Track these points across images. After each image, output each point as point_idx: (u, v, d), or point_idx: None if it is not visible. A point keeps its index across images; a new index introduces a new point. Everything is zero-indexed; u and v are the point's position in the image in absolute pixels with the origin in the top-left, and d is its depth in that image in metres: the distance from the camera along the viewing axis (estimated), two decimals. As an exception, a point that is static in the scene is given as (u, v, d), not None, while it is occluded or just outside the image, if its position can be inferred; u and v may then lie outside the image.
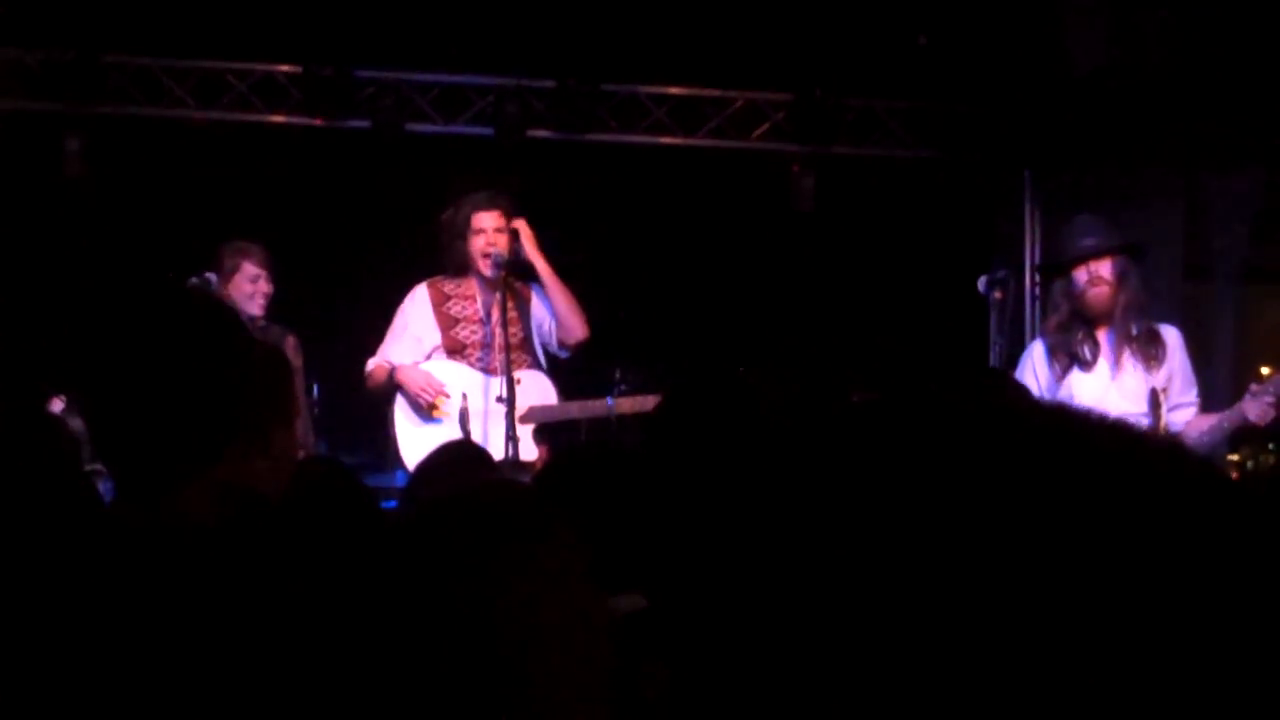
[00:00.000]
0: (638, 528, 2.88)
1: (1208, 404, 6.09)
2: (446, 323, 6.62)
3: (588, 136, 9.00)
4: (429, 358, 6.62)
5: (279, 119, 8.83)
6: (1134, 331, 5.98)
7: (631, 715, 2.03)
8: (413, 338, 6.63)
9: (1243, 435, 6.12)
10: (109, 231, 8.65)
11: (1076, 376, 6.02)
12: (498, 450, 6.21)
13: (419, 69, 8.89)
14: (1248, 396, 5.75)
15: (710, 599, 0.92)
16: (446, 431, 6.38)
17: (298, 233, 8.63)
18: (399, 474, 7.11)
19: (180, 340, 2.15)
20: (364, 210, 8.97)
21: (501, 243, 6.52)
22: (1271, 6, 6.63)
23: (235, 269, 6.89)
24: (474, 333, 6.57)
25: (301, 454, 6.31)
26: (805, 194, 9.09)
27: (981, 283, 6.42)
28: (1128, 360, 5.99)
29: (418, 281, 6.83)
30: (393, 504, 5.77)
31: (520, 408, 6.43)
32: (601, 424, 6.59)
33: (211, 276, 6.76)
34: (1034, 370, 6.12)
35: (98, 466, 6.57)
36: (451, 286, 6.66)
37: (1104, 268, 5.95)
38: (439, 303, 6.64)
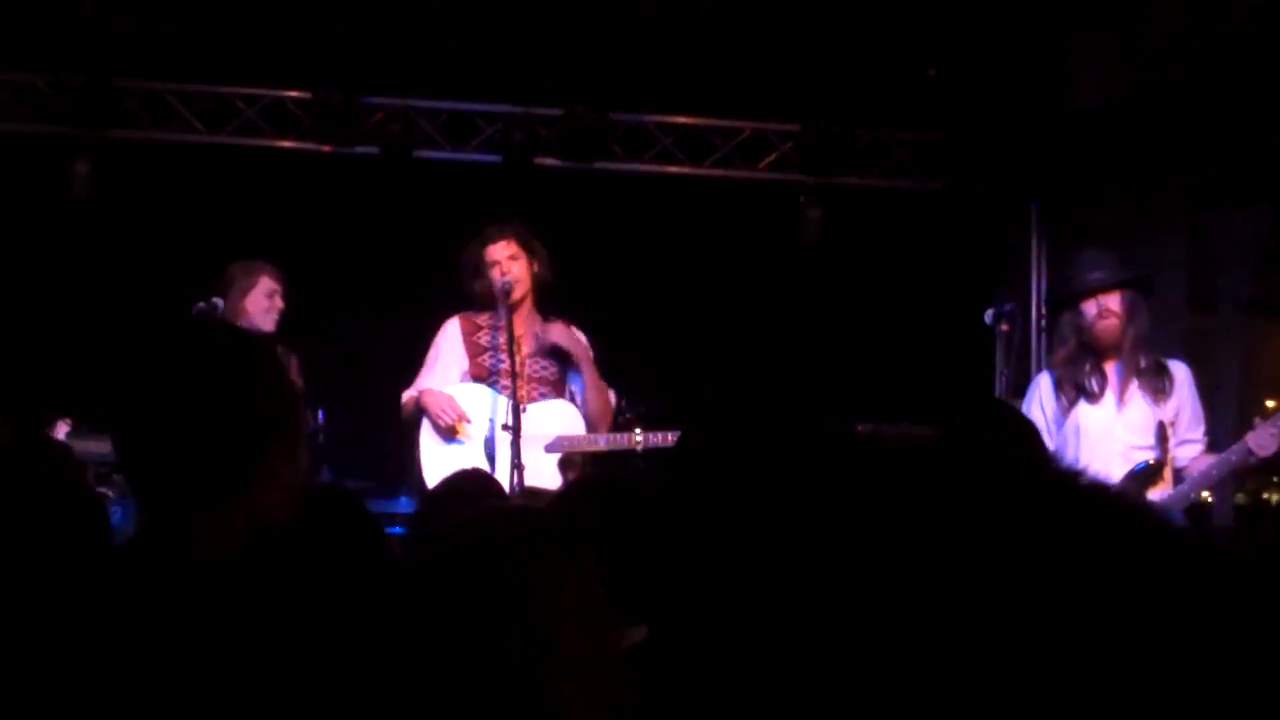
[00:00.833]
0: (645, 558, 2.88)
1: (1212, 436, 6.09)
2: (474, 350, 6.65)
3: (595, 165, 9.01)
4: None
5: (287, 144, 8.85)
6: (1142, 365, 5.98)
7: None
8: (444, 367, 6.68)
9: (1249, 471, 6.10)
10: (116, 255, 8.67)
11: (1084, 409, 6.02)
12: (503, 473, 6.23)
13: (427, 95, 8.92)
14: (1250, 432, 5.76)
15: (718, 627, 0.93)
16: (469, 454, 6.40)
17: (304, 258, 8.63)
18: (403, 499, 7.11)
19: (213, 372, 2.16)
20: (371, 236, 8.98)
21: (514, 270, 6.54)
22: (1277, 43, 6.64)
23: (252, 285, 6.88)
24: (501, 361, 6.59)
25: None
26: (812, 224, 9.09)
27: (988, 315, 6.41)
28: (1135, 393, 5.98)
29: (424, 304, 6.87)
30: (398, 529, 5.77)
31: (546, 437, 6.45)
32: (620, 455, 6.59)
33: (218, 301, 6.75)
34: (1040, 402, 6.12)
35: (106, 490, 6.60)
36: (482, 318, 6.71)
37: (1113, 301, 5.96)
38: (469, 332, 6.68)
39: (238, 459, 2.14)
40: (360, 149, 8.82)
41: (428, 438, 6.62)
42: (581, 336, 6.76)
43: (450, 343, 6.71)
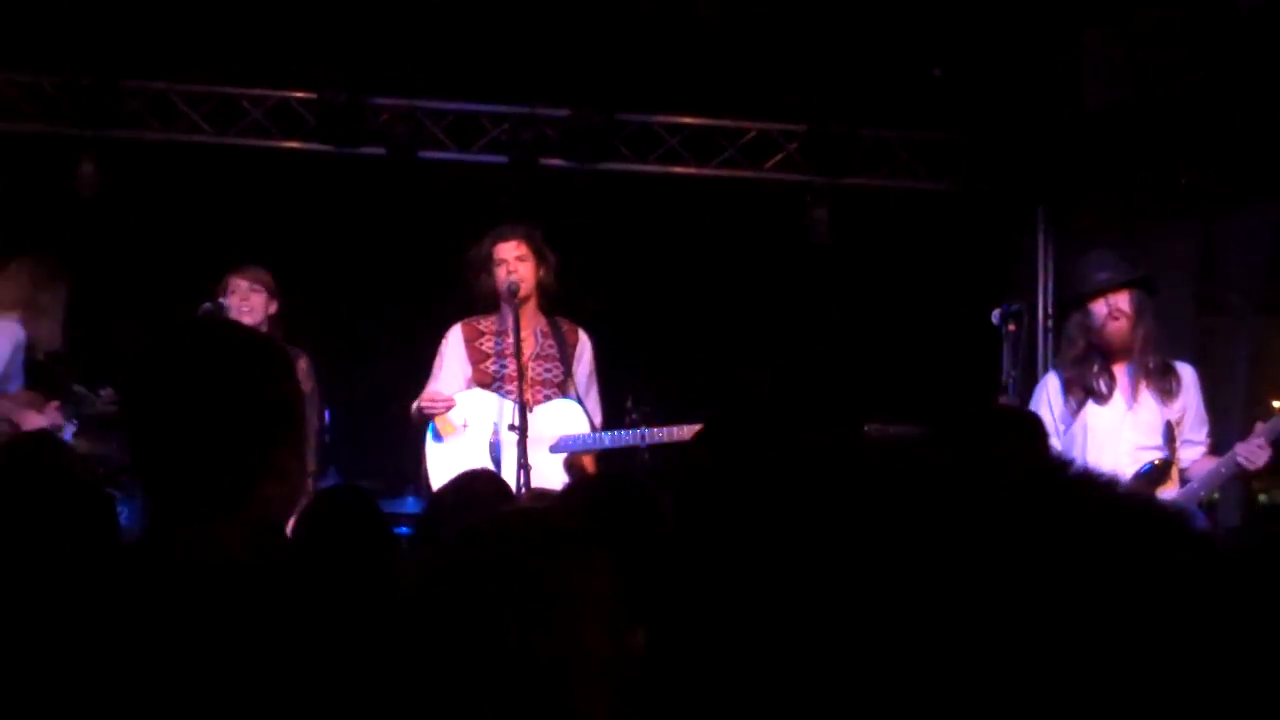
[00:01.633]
0: (651, 559, 2.87)
1: (1222, 437, 6.09)
2: (476, 357, 6.66)
3: (601, 165, 9.01)
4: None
5: (293, 145, 8.85)
6: (1150, 365, 5.99)
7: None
8: (449, 375, 6.70)
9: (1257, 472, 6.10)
10: (122, 255, 8.67)
11: (1092, 409, 6.03)
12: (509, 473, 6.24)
13: (433, 96, 8.91)
14: (1240, 444, 5.77)
15: (723, 629, 0.93)
16: (473, 456, 6.40)
17: (311, 258, 8.64)
18: (410, 500, 7.11)
19: (222, 372, 2.16)
20: (377, 236, 8.98)
21: (522, 270, 6.54)
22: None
23: (221, 289, 6.93)
24: (503, 366, 6.60)
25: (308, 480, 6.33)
26: (819, 224, 9.09)
27: (995, 315, 6.40)
28: (1144, 393, 6.00)
29: (429, 306, 6.87)
30: (405, 530, 5.76)
31: (551, 438, 6.46)
32: (625, 454, 6.59)
33: (225, 302, 6.78)
34: (1048, 402, 6.13)
35: (112, 490, 6.59)
36: (484, 323, 6.72)
37: (1122, 300, 5.99)
38: (471, 339, 6.69)
39: (247, 458, 2.14)
40: (366, 150, 8.82)
41: (432, 440, 6.64)
42: (590, 350, 6.78)
43: (453, 351, 6.73)
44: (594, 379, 6.81)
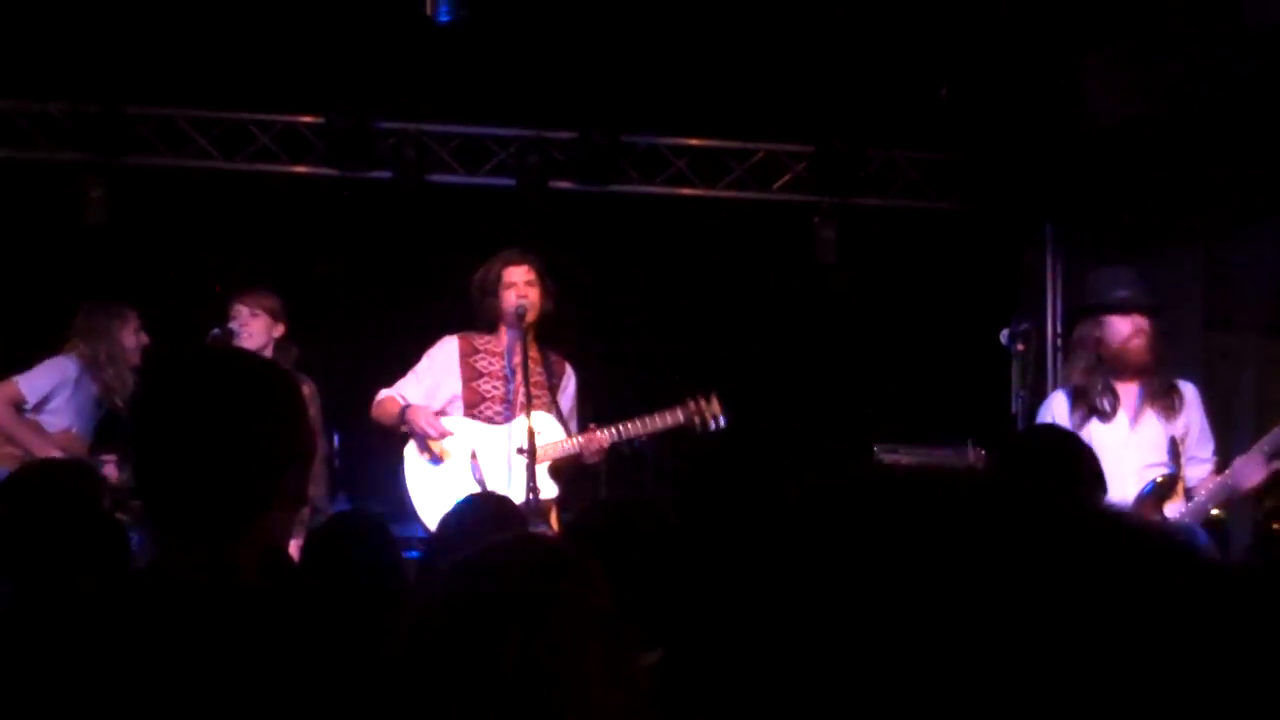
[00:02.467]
0: (661, 579, 2.87)
1: (1227, 455, 6.08)
2: (470, 374, 6.64)
3: (609, 188, 9.02)
4: (444, 410, 6.63)
5: (301, 169, 8.88)
6: (1155, 385, 5.99)
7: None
8: (433, 382, 6.67)
9: (1275, 484, 6.10)
10: (131, 281, 8.68)
11: (1097, 427, 6.02)
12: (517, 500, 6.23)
13: (440, 120, 8.94)
14: (1238, 459, 5.78)
15: (734, 648, 0.93)
16: (456, 480, 6.41)
17: (320, 282, 8.66)
18: (418, 524, 7.10)
19: (230, 400, 2.16)
20: (385, 260, 8.99)
21: (531, 296, 6.54)
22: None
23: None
24: (495, 388, 6.60)
25: (312, 505, 6.34)
26: (827, 245, 9.09)
27: (1004, 335, 6.41)
28: (1147, 411, 5.99)
29: (440, 330, 6.86)
30: (413, 554, 5.75)
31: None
32: (624, 471, 6.60)
33: (233, 327, 6.78)
34: (1054, 418, 6.12)
35: (121, 516, 6.60)
36: (482, 341, 6.71)
37: (1145, 321, 5.97)
38: (466, 354, 6.67)
39: (254, 485, 2.15)
40: (374, 174, 8.84)
41: (413, 465, 6.63)
42: (574, 383, 6.78)
43: (445, 360, 6.70)
44: (574, 413, 6.81)
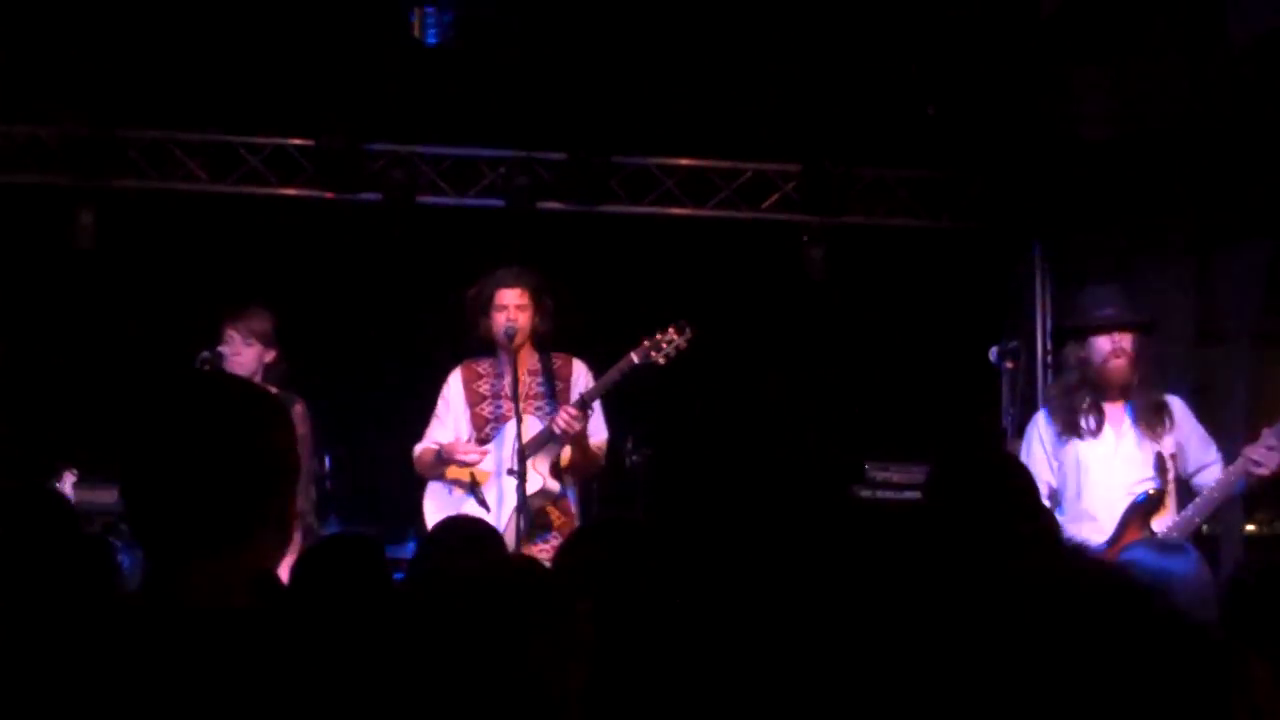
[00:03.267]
0: (649, 600, 2.87)
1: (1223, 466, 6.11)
2: (473, 399, 6.72)
3: (598, 208, 9.03)
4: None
5: (291, 192, 8.88)
6: (1142, 403, 6.05)
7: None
8: (453, 418, 6.77)
9: (1257, 501, 6.14)
10: (121, 304, 8.68)
11: (1082, 446, 6.05)
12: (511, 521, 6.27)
13: (430, 142, 8.94)
14: (1248, 447, 5.81)
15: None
16: (472, 502, 6.46)
17: (311, 304, 8.65)
18: (410, 545, 7.11)
19: (217, 422, 2.17)
20: (375, 282, 8.99)
21: (522, 319, 6.55)
22: (1277, 76, 6.66)
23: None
24: (498, 408, 6.64)
25: (304, 526, 6.34)
26: (816, 264, 9.10)
27: (993, 353, 6.43)
28: (1132, 429, 6.03)
29: (432, 353, 6.94)
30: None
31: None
32: (617, 499, 6.62)
33: (222, 350, 6.75)
34: (1040, 439, 6.16)
35: (112, 539, 6.59)
36: (482, 365, 6.79)
37: (1127, 340, 6.03)
38: (469, 380, 6.76)
39: (242, 507, 2.16)
40: (363, 196, 8.85)
41: (433, 487, 6.67)
42: (586, 373, 6.79)
43: (454, 393, 6.80)
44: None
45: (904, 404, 8.87)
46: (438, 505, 6.66)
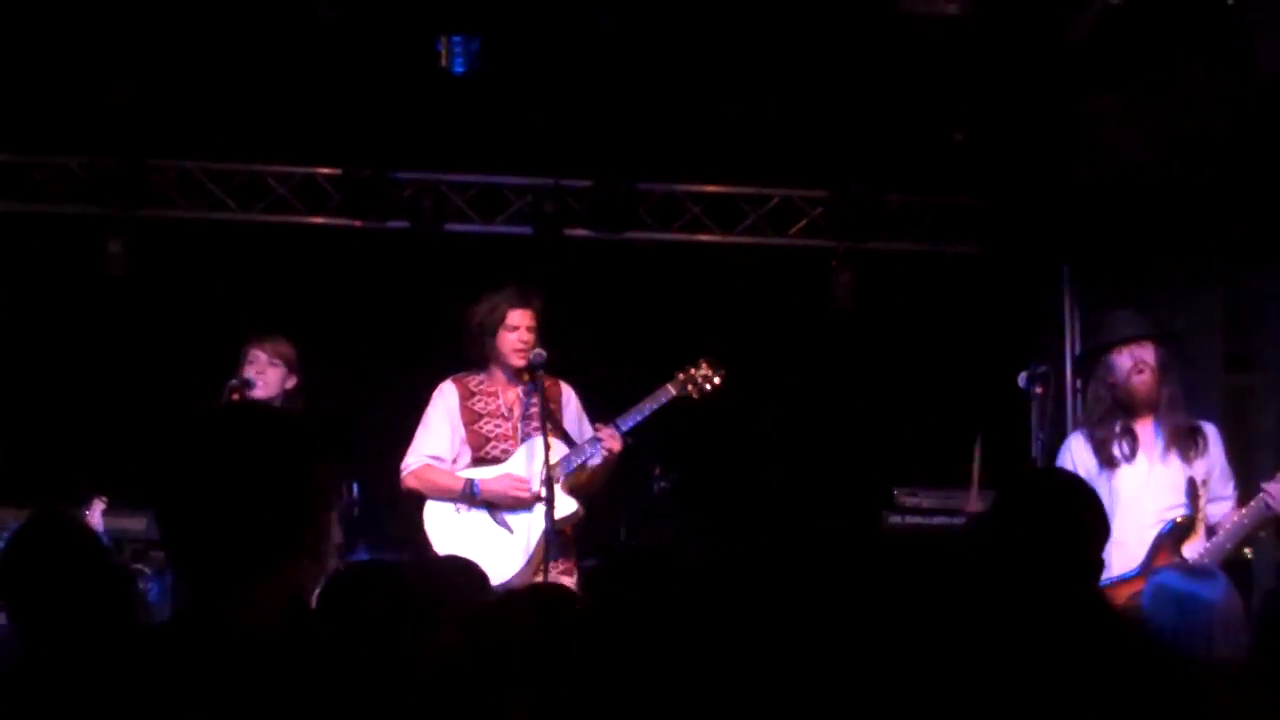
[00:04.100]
0: (680, 630, 2.87)
1: (1245, 493, 6.09)
2: (470, 418, 6.64)
3: (625, 235, 9.04)
4: (455, 460, 6.63)
5: (319, 220, 8.92)
6: (1176, 425, 6.03)
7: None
8: (449, 429, 6.67)
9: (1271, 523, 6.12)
10: (151, 332, 8.72)
11: (1116, 471, 6.03)
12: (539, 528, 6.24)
13: (457, 170, 8.97)
14: (1268, 484, 5.78)
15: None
16: (474, 526, 6.44)
17: (339, 333, 8.68)
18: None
19: (252, 453, 2.19)
20: (404, 310, 9.00)
21: (531, 339, 6.54)
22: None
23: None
24: (497, 427, 6.61)
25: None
26: (844, 289, 9.09)
27: (1022, 378, 6.40)
28: (1167, 452, 6.02)
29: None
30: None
31: (531, 475, 6.50)
32: (643, 524, 6.61)
33: (250, 376, 6.76)
34: (1073, 463, 6.12)
35: (142, 566, 6.62)
36: (475, 382, 6.70)
37: (1147, 353, 6.04)
38: (465, 398, 6.67)
39: (276, 535, 2.17)
40: (391, 224, 8.88)
41: (433, 510, 6.62)
42: (575, 397, 6.76)
43: (450, 406, 6.70)
44: (584, 419, 6.76)
45: (933, 430, 8.83)
46: (444, 526, 6.57)
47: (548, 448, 6.31)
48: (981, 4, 6.60)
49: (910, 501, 8.15)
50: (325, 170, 8.88)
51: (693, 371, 6.71)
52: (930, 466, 8.36)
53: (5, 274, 8.66)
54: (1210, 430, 6.12)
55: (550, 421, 6.45)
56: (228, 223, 8.88)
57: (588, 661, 1.99)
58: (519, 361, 6.52)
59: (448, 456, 6.63)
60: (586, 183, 8.95)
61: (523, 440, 6.53)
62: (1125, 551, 5.83)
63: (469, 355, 6.73)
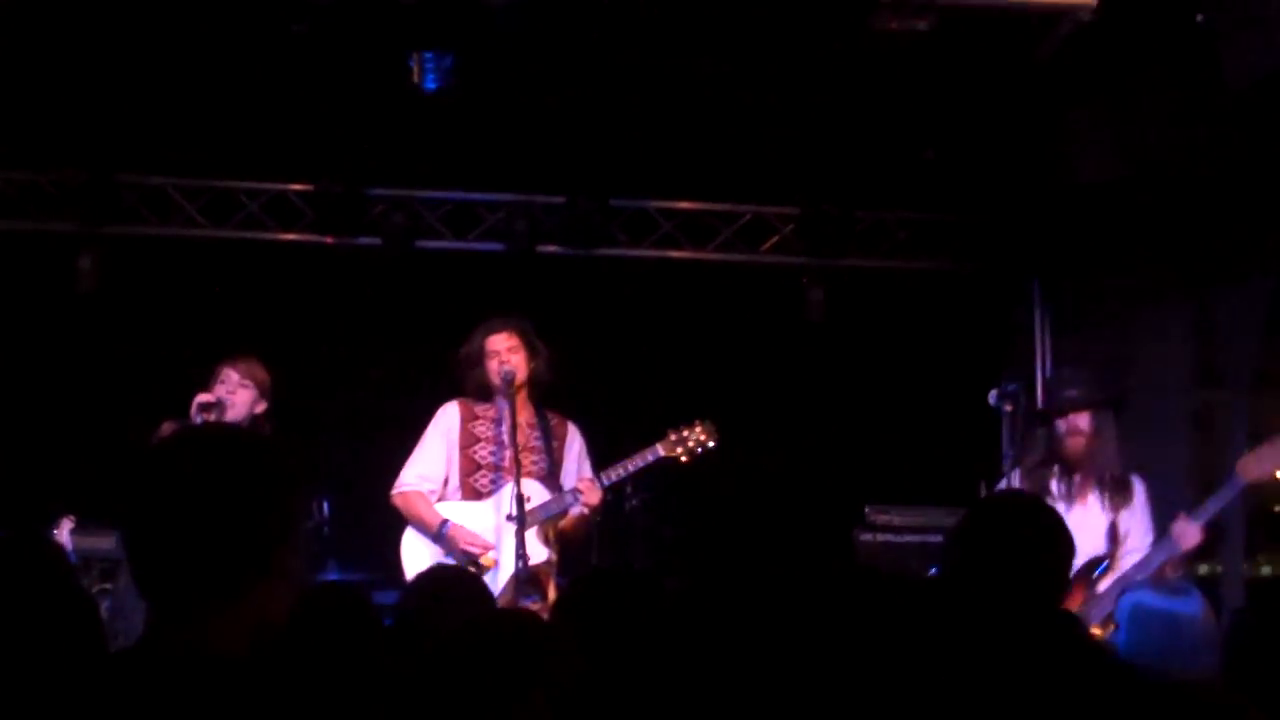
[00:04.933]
0: (651, 650, 2.87)
1: (1224, 511, 6.20)
2: (467, 440, 6.66)
3: (597, 251, 9.04)
4: (447, 481, 6.63)
5: (291, 237, 8.90)
6: (1106, 477, 6.31)
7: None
8: (444, 451, 6.69)
9: (1261, 541, 6.26)
10: (121, 349, 8.69)
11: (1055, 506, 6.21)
12: (509, 567, 6.22)
13: (429, 186, 8.97)
14: (1175, 523, 5.99)
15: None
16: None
17: (309, 349, 8.66)
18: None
19: (221, 474, 2.18)
20: (375, 326, 9.00)
21: (514, 361, 6.56)
22: (1275, 117, 6.67)
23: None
24: (490, 454, 6.61)
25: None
26: (816, 306, 9.11)
27: (992, 396, 6.45)
28: (1093, 499, 6.29)
29: (429, 395, 6.88)
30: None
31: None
32: (614, 542, 6.60)
33: (223, 396, 6.71)
34: None
35: (106, 585, 6.57)
36: (480, 408, 6.72)
37: (1082, 420, 6.30)
38: (467, 419, 6.70)
39: (244, 559, 2.17)
40: (363, 240, 8.86)
41: (410, 539, 6.62)
42: (580, 440, 6.78)
43: (448, 426, 6.72)
44: (586, 463, 6.79)
45: (904, 446, 8.85)
46: (417, 557, 6.56)
47: (518, 466, 6.31)
48: (952, 21, 6.62)
49: (882, 519, 8.17)
50: (297, 187, 8.87)
51: (685, 433, 6.70)
52: (901, 484, 8.38)
53: (-26, 290, 8.63)
54: (1138, 484, 6.33)
55: (545, 452, 6.52)
56: (198, 239, 8.85)
57: (561, 680, 1.99)
58: (500, 384, 6.54)
59: (439, 478, 6.67)
60: (559, 199, 8.95)
61: (509, 472, 6.47)
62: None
63: (466, 391, 6.74)
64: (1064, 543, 3.44)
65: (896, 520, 8.12)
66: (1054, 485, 6.33)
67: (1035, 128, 8.03)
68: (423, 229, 8.95)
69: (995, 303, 9.31)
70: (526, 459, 6.51)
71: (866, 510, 8.16)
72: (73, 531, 6.69)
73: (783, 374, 9.23)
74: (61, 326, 8.71)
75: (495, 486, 6.56)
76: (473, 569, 6.31)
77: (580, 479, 6.54)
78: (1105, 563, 6.06)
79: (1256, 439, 6.14)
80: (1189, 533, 5.88)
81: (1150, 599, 4.15)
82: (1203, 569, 7.89)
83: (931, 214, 9.26)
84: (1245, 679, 3.68)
